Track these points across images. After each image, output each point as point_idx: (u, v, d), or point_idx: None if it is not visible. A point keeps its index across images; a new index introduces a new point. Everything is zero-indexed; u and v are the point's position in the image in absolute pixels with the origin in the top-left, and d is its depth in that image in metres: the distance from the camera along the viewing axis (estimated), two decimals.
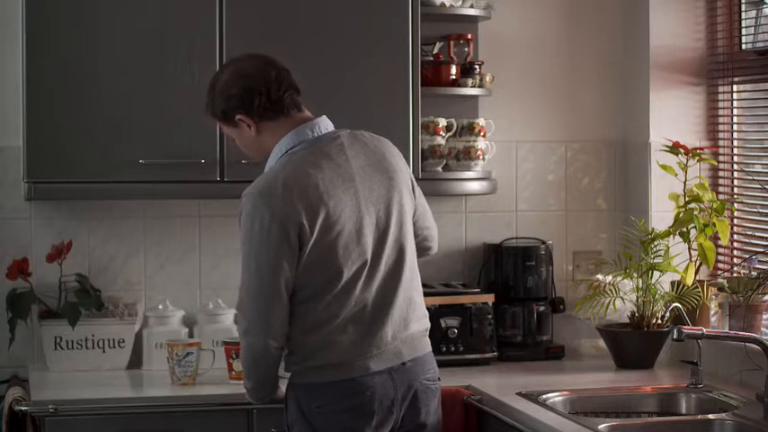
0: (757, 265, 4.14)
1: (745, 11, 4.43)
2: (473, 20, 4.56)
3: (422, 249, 3.49)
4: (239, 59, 3.38)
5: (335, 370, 3.24)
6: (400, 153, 3.43)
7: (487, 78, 4.54)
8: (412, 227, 3.39)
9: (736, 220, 4.46)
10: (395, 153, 3.41)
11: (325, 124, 3.34)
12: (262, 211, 3.19)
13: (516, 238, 4.67)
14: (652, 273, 4.32)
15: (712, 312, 4.29)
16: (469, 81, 4.48)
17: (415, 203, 3.43)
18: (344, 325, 3.24)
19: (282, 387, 3.42)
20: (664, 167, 4.38)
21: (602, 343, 4.48)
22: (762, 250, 4.24)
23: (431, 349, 3.42)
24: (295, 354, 3.29)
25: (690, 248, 4.33)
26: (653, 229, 4.41)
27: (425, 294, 3.48)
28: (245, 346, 3.29)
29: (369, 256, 3.26)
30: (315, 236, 3.19)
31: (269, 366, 3.33)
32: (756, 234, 4.38)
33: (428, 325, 3.42)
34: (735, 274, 4.26)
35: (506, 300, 4.54)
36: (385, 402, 3.27)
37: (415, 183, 3.45)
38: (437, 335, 4.26)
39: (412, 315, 3.34)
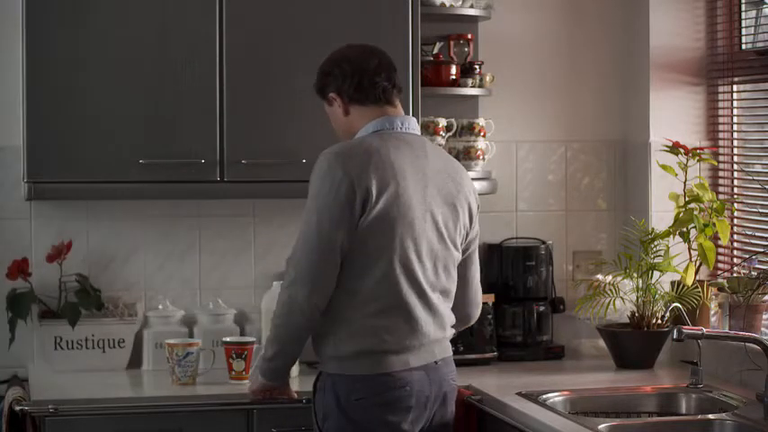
0: (757, 265, 4.14)
1: (745, 11, 4.43)
2: (473, 20, 4.56)
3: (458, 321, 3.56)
4: (353, 45, 3.52)
5: (378, 361, 3.29)
6: (472, 183, 3.56)
7: (487, 78, 4.54)
8: (459, 238, 3.47)
9: (736, 220, 4.45)
10: (468, 179, 3.54)
11: (414, 125, 3.49)
12: (335, 168, 3.28)
13: (516, 238, 4.67)
14: (652, 273, 4.32)
15: (712, 312, 4.29)
16: (469, 81, 4.48)
17: (468, 233, 3.52)
18: (395, 310, 3.30)
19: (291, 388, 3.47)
20: (664, 167, 4.38)
21: (602, 343, 4.48)
22: (762, 250, 4.24)
23: (452, 353, 3.51)
24: (341, 332, 3.31)
25: (690, 248, 4.33)
26: (653, 229, 4.41)
27: None
28: (285, 300, 3.32)
29: (424, 250, 3.34)
30: (379, 206, 3.27)
31: (300, 327, 3.33)
32: (756, 234, 4.38)
33: (454, 331, 3.51)
34: (735, 274, 4.26)
35: (506, 300, 4.54)
36: (421, 399, 3.34)
37: (476, 217, 3.56)
38: None
39: (447, 318, 3.44)
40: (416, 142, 3.43)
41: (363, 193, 3.26)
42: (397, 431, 3.30)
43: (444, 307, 3.42)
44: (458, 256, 3.47)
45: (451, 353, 3.48)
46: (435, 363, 3.38)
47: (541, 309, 4.57)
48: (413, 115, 4.19)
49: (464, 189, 3.49)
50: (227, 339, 4.12)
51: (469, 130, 4.49)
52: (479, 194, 4.51)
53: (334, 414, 3.31)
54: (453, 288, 3.47)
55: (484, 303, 4.42)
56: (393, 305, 3.30)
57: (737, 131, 4.49)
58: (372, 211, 3.27)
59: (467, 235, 3.52)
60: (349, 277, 3.31)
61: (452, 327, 3.49)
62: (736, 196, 4.47)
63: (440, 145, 4.42)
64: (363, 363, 3.29)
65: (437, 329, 3.38)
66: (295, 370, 4.02)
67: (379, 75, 3.44)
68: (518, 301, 4.55)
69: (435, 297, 3.38)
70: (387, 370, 3.29)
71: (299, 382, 3.97)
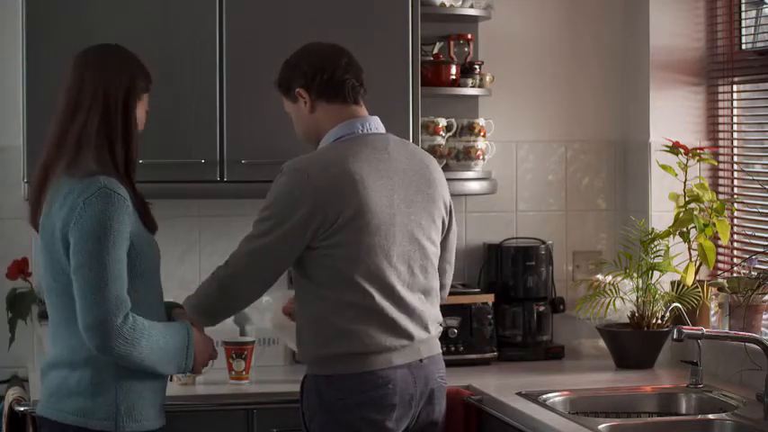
0: (757, 265, 4.14)
1: (745, 11, 4.44)
2: (473, 20, 4.56)
3: None
4: (318, 43, 3.47)
5: (360, 361, 3.27)
6: (443, 175, 3.50)
7: (487, 78, 4.54)
8: (438, 238, 3.45)
9: (736, 220, 4.46)
10: (438, 171, 3.49)
11: (376, 124, 3.42)
12: (295, 183, 3.26)
13: (516, 238, 4.67)
14: (652, 273, 4.32)
15: (712, 312, 4.29)
16: (469, 81, 4.48)
17: (446, 224, 3.49)
18: (371, 315, 3.28)
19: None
20: (664, 167, 4.38)
21: (602, 343, 4.48)
22: (762, 250, 4.24)
23: (441, 351, 3.48)
24: (320, 336, 3.31)
25: (690, 248, 4.33)
26: (653, 229, 4.41)
27: None
28: (219, 286, 3.38)
29: (396, 252, 3.31)
30: (340, 220, 3.24)
31: (228, 312, 3.50)
32: (756, 234, 4.38)
33: (441, 329, 3.49)
34: (735, 274, 4.26)
35: (506, 300, 4.54)
36: (405, 397, 3.32)
37: (452, 208, 3.51)
38: None
39: (429, 317, 3.41)
40: (378, 143, 3.36)
41: (321, 212, 3.23)
42: (381, 429, 3.29)
43: (425, 306, 3.39)
44: (435, 251, 3.44)
45: (440, 351, 3.45)
46: (420, 361, 3.36)
47: (541, 309, 4.57)
48: (413, 115, 4.19)
49: (435, 183, 3.44)
50: (228, 339, 4.12)
51: (469, 130, 4.49)
52: (480, 194, 4.56)
53: (320, 415, 3.31)
54: (435, 284, 3.44)
55: (484, 303, 4.46)
56: (368, 311, 3.28)
57: (737, 131, 4.49)
58: (334, 226, 3.24)
59: (443, 228, 3.48)
60: (323, 287, 3.29)
61: (440, 324, 3.46)
62: (736, 196, 4.47)
63: (439, 145, 4.43)
64: (346, 363, 3.28)
65: (419, 330, 3.35)
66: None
67: (348, 73, 3.39)
68: (518, 301, 4.55)
69: (415, 298, 3.35)
70: (369, 368, 3.28)
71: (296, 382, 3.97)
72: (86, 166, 3.07)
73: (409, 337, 3.33)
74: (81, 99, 3.11)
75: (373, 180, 3.28)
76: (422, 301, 3.38)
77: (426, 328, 3.39)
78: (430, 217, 3.40)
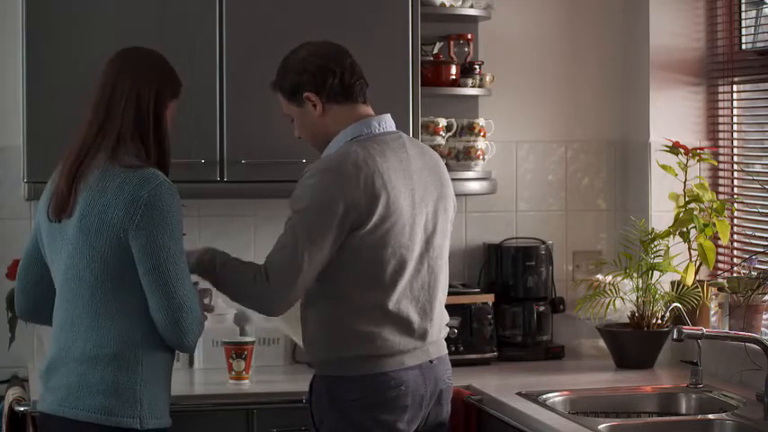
0: (757, 265, 4.14)
1: (745, 11, 4.44)
2: (473, 20, 4.56)
3: None
4: (316, 42, 3.41)
5: (373, 362, 3.26)
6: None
7: (487, 78, 4.54)
8: (449, 229, 3.45)
9: (736, 220, 4.46)
10: (445, 167, 3.49)
11: (390, 122, 3.40)
12: (326, 185, 3.21)
13: (516, 238, 4.67)
14: (652, 273, 4.32)
15: (712, 312, 4.29)
16: (469, 81, 4.48)
17: (452, 221, 3.50)
18: (389, 317, 3.27)
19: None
20: (664, 167, 4.38)
21: (602, 343, 4.49)
22: (762, 250, 4.24)
23: (447, 351, 3.48)
24: (334, 338, 3.29)
25: (690, 248, 4.34)
26: (653, 229, 4.41)
27: None
28: (254, 296, 3.27)
29: (416, 253, 3.30)
30: (371, 222, 3.22)
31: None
32: (756, 234, 4.38)
33: (447, 329, 3.48)
34: (735, 274, 4.26)
35: (506, 300, 4.54)
36: (416, 398, 3.31)
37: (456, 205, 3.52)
38: None
39: (442, 317, 3.42)
40: (396, 143, 3.34)
41: (355, 212, 3.20)
42: (393, 430, 3.28)
43: (440, 307, 3.40)
44: (447, 245, 3.44)
45: (446, 352, 3.45)
46: (430, 362, 3.35)
47: (541, 309, 4.57)
48: (413, 115, 4.19)
49: (445, 179, 3.44)
50: (227, 339, 4.12)
51: (469, 130, 4.49)
52: (479, 194, 4.56)
53: (330, 416, 3.29)
54: (447, 283, 3.44)
55: (484, 303, 4.46)
56: (387, 313, 3.26)
57: (737, 131, 4.49)
58: (365, 227, 3.21)
59: (451, 224, 3.49)
60: (343, 287, 3.27)
61: (447, 325, 3.47)
62: (736, 196, 4.47)
63: (439, 145, 4.43)
64: (359, 365, 3.27)
65: (432, 332, 3.36)
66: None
67: (355, 73, 3.36)
68: (518, 301, 4.55)
69: (433, 299, 3.35)
70: (382, 370, 3.26)
71: (296, 382, 3.98)
72: (128, 159, 3.11)
73: (422, 338, 3.32)
74: (116, 97, 3.16)
75: (398, 181, 3.27)
76: (440, 301, 3.39)
77: (439, 331, 3.40)
78: (444, 214, 3.40)
